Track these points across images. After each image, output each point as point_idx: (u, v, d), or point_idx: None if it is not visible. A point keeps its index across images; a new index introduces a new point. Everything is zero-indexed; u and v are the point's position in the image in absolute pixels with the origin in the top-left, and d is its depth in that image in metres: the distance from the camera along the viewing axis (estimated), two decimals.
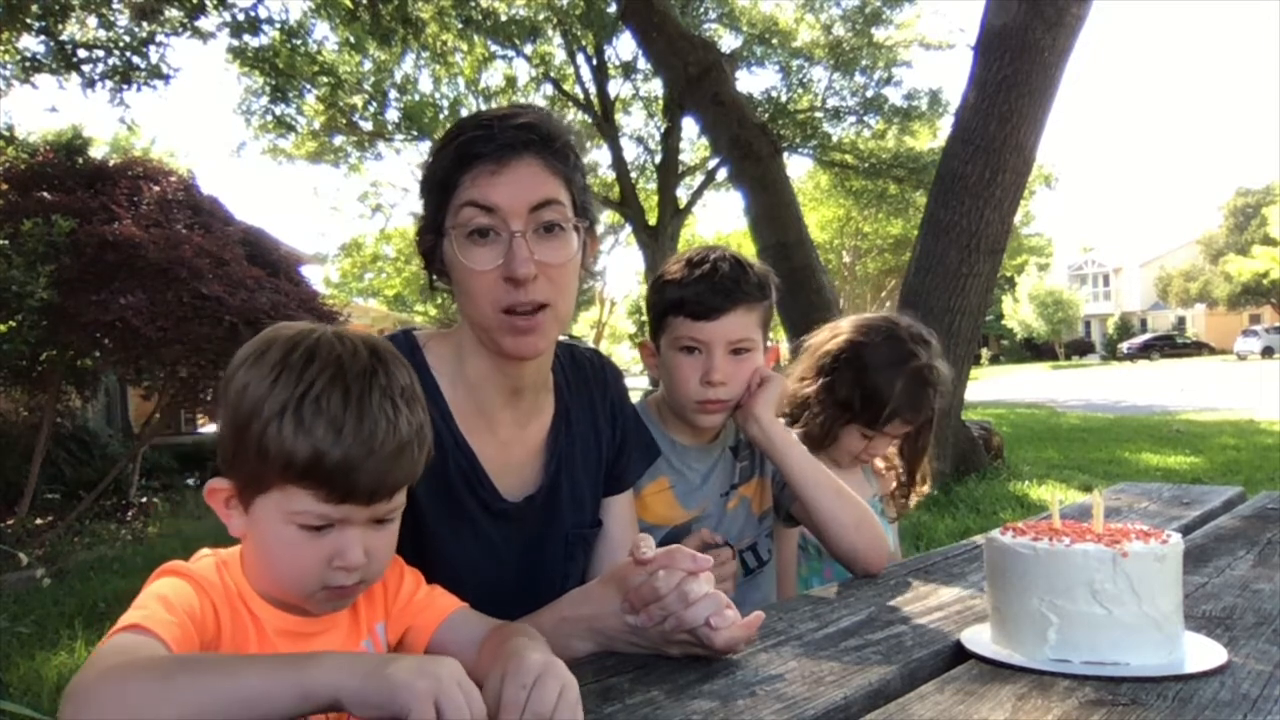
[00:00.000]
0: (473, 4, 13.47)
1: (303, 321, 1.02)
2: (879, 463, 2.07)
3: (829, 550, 1.64)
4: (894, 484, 2.07)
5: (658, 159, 20.80)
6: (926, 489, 2.05)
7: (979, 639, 1.14)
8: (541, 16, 16.28)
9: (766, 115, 18.53)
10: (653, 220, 19.63)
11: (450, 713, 0.76)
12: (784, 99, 20.53)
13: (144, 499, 8.44)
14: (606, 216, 21.70)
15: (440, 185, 1.22)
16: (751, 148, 10.27)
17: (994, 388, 24.78)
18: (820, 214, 28.64)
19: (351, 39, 14.41)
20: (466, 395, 1.29)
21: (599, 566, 1.41)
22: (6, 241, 6.04)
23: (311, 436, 0.92)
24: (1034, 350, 53.29)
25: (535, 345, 1.23)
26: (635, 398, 1.77)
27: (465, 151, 1.19)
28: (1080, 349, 54.17)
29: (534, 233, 1.19)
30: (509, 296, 1.19)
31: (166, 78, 8.16)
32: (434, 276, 1.29)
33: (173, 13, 8.25)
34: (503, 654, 0.92)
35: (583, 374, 1.43)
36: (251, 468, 0.94)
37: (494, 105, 19.45)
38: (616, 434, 1.45)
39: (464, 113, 19.30)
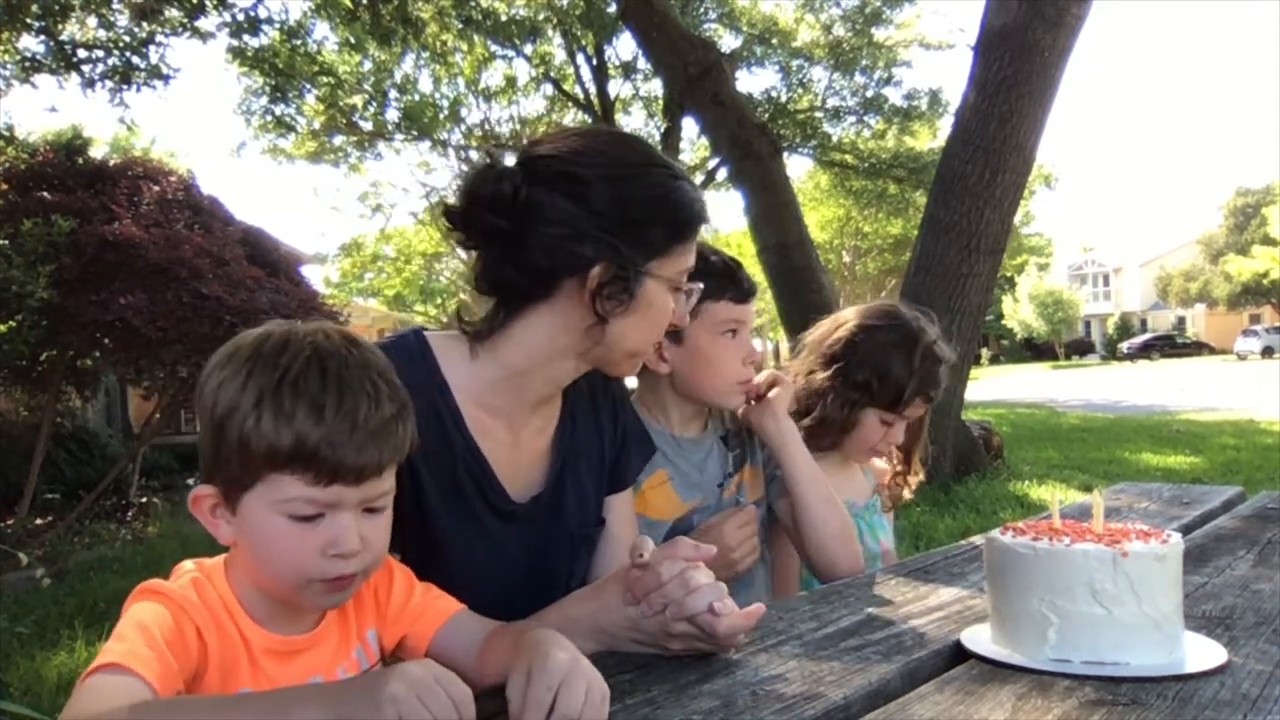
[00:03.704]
0: (473, 4, 13.45)
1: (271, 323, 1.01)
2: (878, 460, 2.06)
3: (804, 552, 1.66)
4: (889, 474, 2.03)
5: None
6: (921, 478, 2.03)
7: (979, 639, 1.13)
8: (541, 16, 16.26)
9: (766, 115, 18.49)
10: None
11: (435, 709, 0.75)
12: (784, 99, 20.48)
13: (144, 499, 8.44)
14: None
15: (678, 234, 1.27)
16: (751, 147, 10.28)
17: (994, 388, 24.77)
18: (820, 214, 28.58)
19: (351, 39, 14.37)
20: (491, 397, 1.29)
21: (601, 564, 1.42)
22: (6, 241, 6.04)
23: (293, 420, 0.89)
24: (1034, 350, 53.24)
25: None
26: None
27: (700, 219, 1.29)
28: (1080, 349, 54.13)
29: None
30: (661, 335, 1.34)
31: (166, 78, 8.13)
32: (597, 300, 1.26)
33: (173, 13, 8.23)
34: (525, 649, 0.90)
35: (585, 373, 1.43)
36: (235, 465, 0.91)
37: (494, 105, 19.42)
38: (618, 432, 1.45)
39: (464, 113, 19.27)
